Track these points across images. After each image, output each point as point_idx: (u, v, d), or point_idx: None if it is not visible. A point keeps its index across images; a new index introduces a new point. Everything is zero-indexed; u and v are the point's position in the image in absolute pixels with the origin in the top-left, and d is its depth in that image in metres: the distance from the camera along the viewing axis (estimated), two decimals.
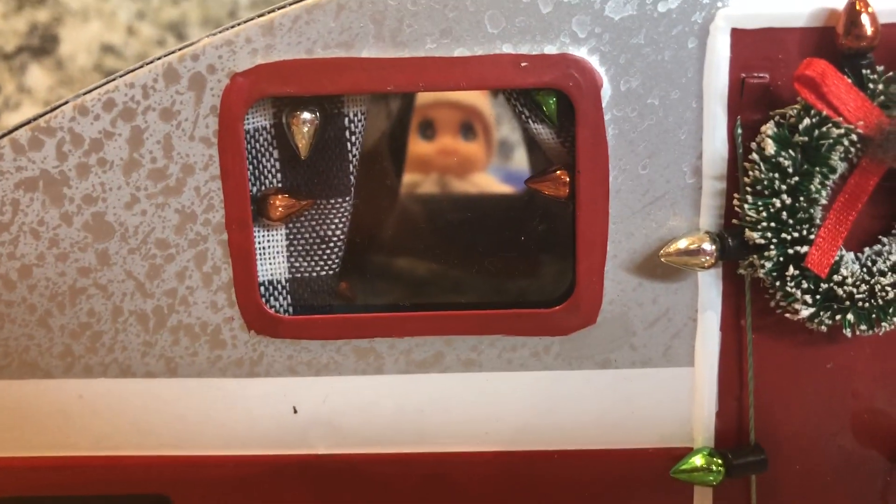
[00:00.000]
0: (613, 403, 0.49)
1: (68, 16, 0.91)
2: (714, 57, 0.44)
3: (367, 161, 0.59)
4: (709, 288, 0.47)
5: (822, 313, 0.44)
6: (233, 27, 0.45)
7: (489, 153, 0.77)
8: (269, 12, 0.45)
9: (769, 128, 0.44)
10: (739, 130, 0.45)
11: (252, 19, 0.45)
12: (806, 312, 0.44)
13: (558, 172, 0.47)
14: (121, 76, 0.46)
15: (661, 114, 0.45)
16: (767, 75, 0.45)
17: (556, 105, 0.46)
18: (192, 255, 0.47)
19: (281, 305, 0.49)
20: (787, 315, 0.46)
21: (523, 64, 0.44)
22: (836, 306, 0.44)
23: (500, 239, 0.54)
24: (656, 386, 0.48)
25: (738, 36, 0.44)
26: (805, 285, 0.44)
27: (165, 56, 0.46)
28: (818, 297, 0.44)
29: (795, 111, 0.43)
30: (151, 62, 0.46)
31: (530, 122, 0.47)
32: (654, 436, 0.48)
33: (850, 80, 0.42)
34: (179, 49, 0.46)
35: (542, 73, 0.44)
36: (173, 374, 0.49)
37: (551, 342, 0.48)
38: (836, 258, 0.44)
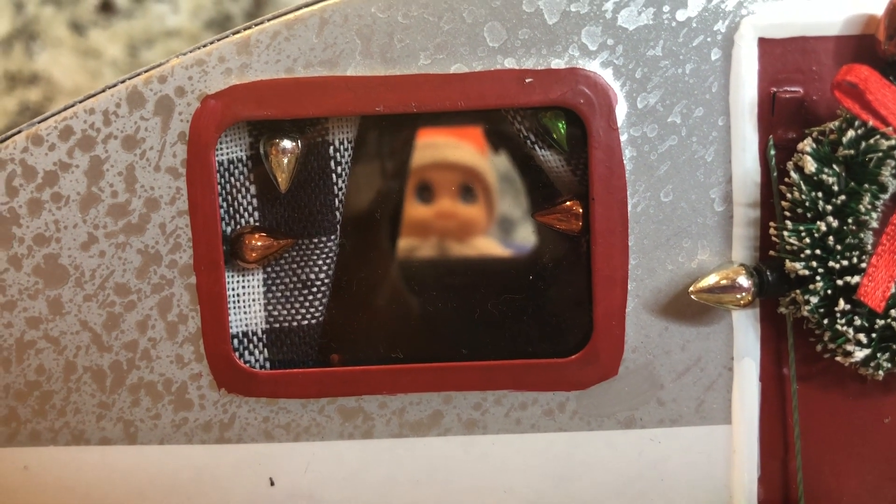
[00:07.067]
0: (639, 469, 0.44)
1: (60, 95, 0.90)
2: (740, 69, 0.41)
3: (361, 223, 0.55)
4: (745, 331, 0.42)
5: (879, 355, 0.40)
6: (204, 45, 0.41)
7: (490, 216, 0.74)
8: (244, 28, 0.41)
9: (807, 144, 0.39)
10: (772, 151, 0.40)
11: (226, 36, 0.41)
12: (861, 355, 0.39)
13: (569, 203, 0.42)
14: (80, 101, 0.42)
15: (683, 133, 0.41)
16: (801, 89, 0.41)
17: (565, 129, 0.41)
18: (156, 302, 0.42)
19: (256, 360, 0.44)
20: (838, 359, 0.41)
21: (528, 80, 0.40)
22: (895, 347, 0.39)
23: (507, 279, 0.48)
24: (688, 447, 0.43)
25: (767, 46, 0.41)
26: (858, 322, 0.39)
27: (130, 78, 0.41)
28: (874, 335, 0.39)
29: (836, 125, 0.39)
30: (114, 85, 0.42)
31: (537, 147, 0.43)
32: None
33: None
34: (146, 70, 0.41)
35: (549, 90, 0.40)
36: (132, 441, 0.44)
37: (566, 398, 0.43)
38: (894, 290, 0.39)
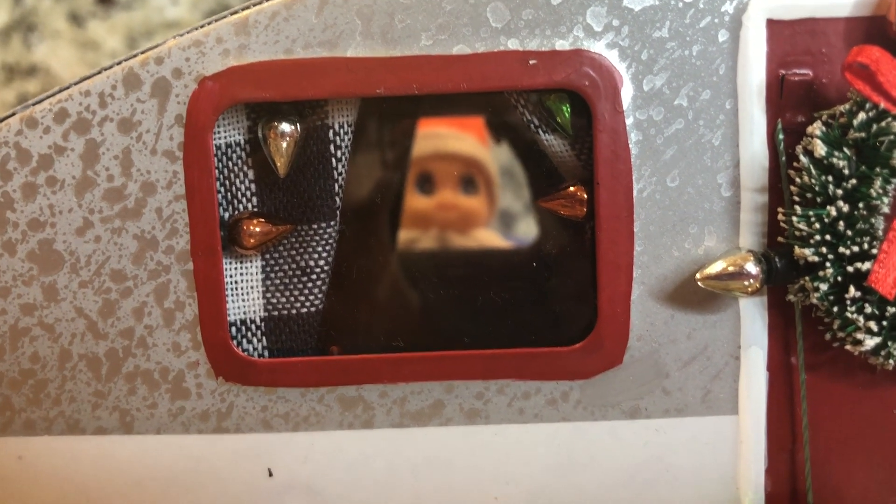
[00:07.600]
0: (644, 460, 0.43)
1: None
2: (748, 51, 0.40)
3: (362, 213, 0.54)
4: (753, 319, 0.42)
5: (890, 344, 0.39)
6: (202, 26, 0.41)
7: (491, 208, 0.73)
8: (243, 9, 0.40)
9: (817, 128, 0.38)
10: (781, 135, 0.40)
11: (224, 17, 0.40)
12: (871, 343, 0.39)
13: (573, 189, 0.42)
14: (75, 84, 0.41)
15: (690, 116, 0.40)
16: (810, 72, 0.40)
17: (570, 112, 0.41)
18: (152, 289, 0.42)
19: (255, 348, 0.43)
20: (848, 348, 0.40)
21: (532, 62, 0.40)
22: None
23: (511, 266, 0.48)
24: (694, 438, 0.43)
25: (775, 28, 0.40)
26: (868, 310, 0.39)
27: (126, 60, 0.41)
28: (885, 323, 0.39)
29: (846, 108, 0.38)
30: (110, 67, 0.41)
31: (540, 132, 0.42)
32: (693, 498, 0.43)
33: None
34: (142, 52, 0.41)
35: (554, 72, 0.40)
36: (129, 431, 0.43)
37: (570, 387, 0.42)
38: None
